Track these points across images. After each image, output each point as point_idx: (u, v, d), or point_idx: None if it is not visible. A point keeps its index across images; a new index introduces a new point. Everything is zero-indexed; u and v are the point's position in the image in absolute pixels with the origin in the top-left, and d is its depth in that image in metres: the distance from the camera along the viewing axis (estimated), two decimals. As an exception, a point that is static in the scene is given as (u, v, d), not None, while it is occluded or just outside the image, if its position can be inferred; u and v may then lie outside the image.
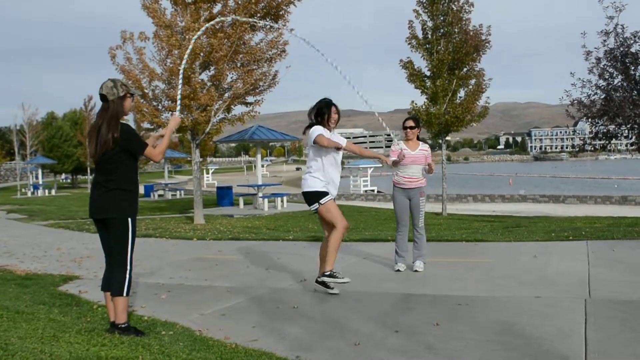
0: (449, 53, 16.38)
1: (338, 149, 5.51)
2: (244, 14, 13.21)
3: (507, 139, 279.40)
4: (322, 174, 5.48)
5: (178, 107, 5.14)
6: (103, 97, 4.15)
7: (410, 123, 6.66)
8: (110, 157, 4.06)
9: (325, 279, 5.51)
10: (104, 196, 4.10)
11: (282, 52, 14.27)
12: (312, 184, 5.47)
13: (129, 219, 4.13)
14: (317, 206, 5.39)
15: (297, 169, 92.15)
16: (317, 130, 5.45)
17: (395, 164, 6.33)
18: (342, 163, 5.74)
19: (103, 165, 4.10)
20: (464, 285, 5.79)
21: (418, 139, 6.73)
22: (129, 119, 24.81)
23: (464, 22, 16.51)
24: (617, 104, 11.47)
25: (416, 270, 6.54)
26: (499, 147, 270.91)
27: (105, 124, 4.05)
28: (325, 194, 5.42)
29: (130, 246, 4.14)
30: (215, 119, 14.24)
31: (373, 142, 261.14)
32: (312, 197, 5.45)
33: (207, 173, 50.27)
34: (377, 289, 5.84)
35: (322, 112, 5.55)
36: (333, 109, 5.58)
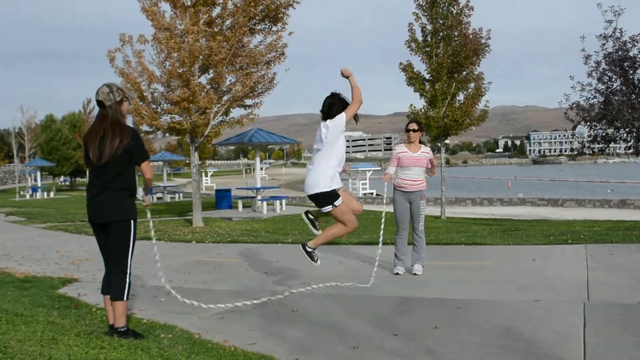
0: (449, 56, 16.41)
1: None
2: (243, 16, 13.23)
3: (506, 142, 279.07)
4: (334, 171, 5.26)
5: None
6: (100, 103, 4.12)
7: (414, 126, 6.68)
8: (115, 160, 4.04)
9: (305, 254, 5.41)
10: (108, 199, 4.08)
11: (281, 55, 14.29)
12: (326, 183, 5.21)
13: (132, 222, 4.13)
14: (331, 208, 5.23)
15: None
16: (342, 114, 5.22)
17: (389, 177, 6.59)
18: None
19: (105, 168, 4.06)
20: (462, 288, 5.79)
21: (419, 142, 6.78)
22: (128, 122, 24.80)
23: (463, 26, 16.55)
24: (616, 108, 11.49)
25: (415, 274, 6.55)
26: (497, 150, 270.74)
27: (110, 131, 4.02)
28: (337, 196, 5.24)
29: (131, 249, 4.14)
30: (214, 122, 14.24)
31: (372, 145, 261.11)
32: (326, 198, 5.22)
33: (206, 176, 50.26)
34: (376, 292, 5.84)
35: (345, 101, 5.31)
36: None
